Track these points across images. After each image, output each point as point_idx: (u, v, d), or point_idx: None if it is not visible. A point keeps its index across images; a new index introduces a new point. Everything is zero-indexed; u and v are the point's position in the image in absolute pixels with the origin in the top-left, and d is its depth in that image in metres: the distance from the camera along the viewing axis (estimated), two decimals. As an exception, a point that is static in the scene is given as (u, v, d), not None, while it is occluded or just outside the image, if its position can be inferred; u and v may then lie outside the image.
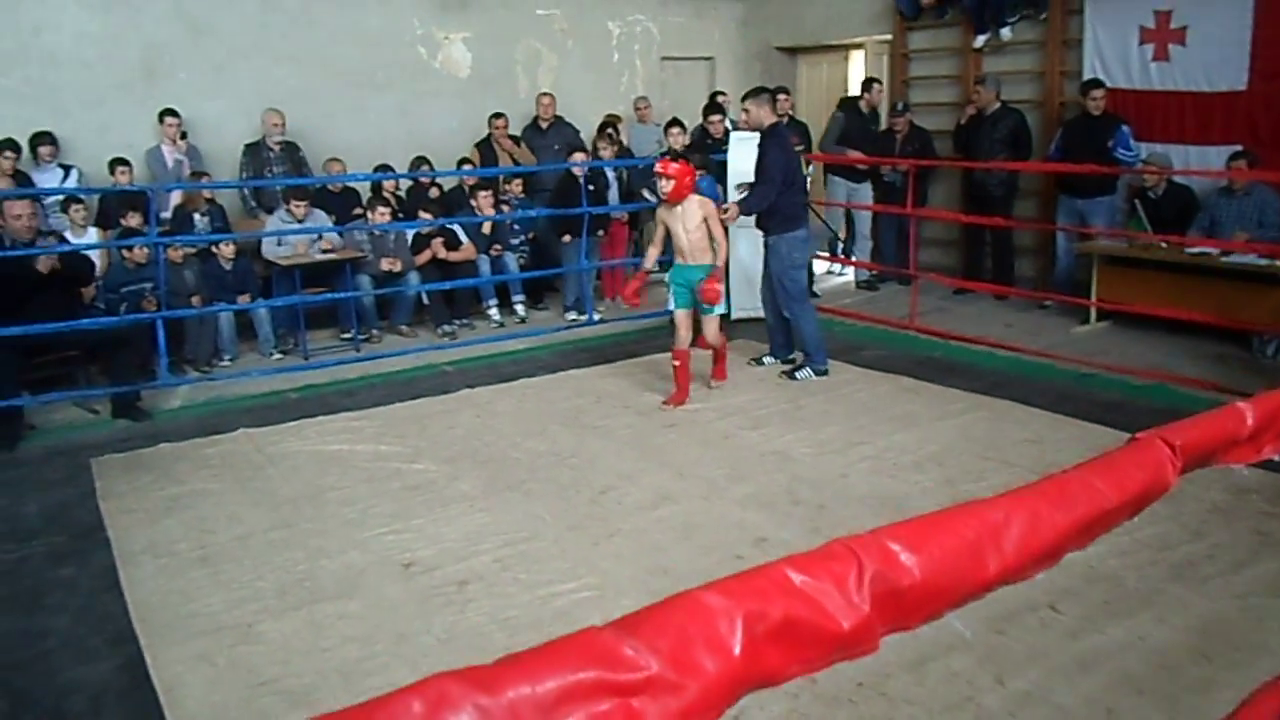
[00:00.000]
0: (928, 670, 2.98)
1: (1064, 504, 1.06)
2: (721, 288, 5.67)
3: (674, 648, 0.78)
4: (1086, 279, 7.31)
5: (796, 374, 6.16)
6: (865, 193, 8.94)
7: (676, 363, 5.72)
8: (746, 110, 6.14)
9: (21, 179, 6.94)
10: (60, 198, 6.99)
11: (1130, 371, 5.97)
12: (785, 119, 8.51)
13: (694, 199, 5.62)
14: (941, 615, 0.99)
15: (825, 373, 6.19)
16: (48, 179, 7.21)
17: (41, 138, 7.22)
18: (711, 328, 5.78)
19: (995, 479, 4.46)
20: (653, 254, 5.88)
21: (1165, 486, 1.22)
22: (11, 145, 6.95)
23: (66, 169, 7.35)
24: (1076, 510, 1.06)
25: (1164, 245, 6.75)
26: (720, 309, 5.77)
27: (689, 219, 5.61)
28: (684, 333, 5.72)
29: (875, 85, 8.93)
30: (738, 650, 0.80)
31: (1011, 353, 6.52)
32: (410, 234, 7.74)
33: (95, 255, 6.56)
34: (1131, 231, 7.19)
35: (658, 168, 5.62)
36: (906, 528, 0.96)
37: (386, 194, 7.88)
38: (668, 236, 5.75)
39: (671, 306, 5.79)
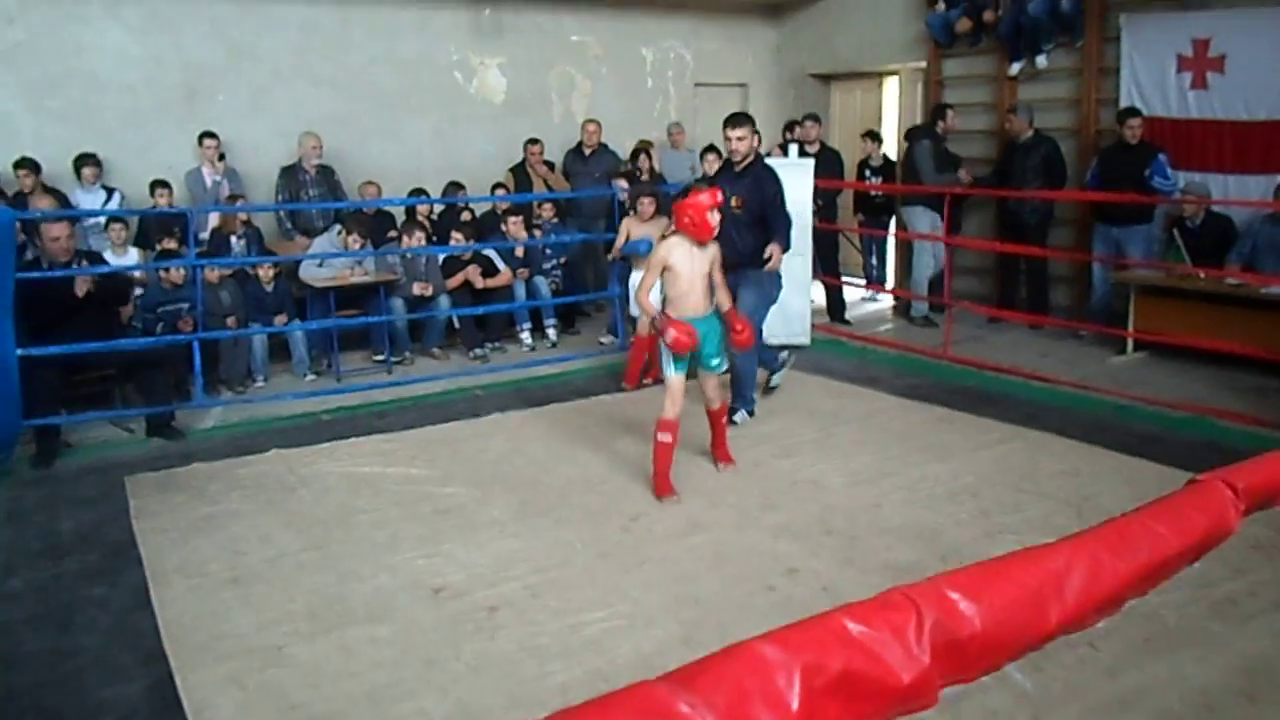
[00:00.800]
0: (963, 708, 2.92)
1: (1125, 550, 1.02)
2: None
3: (731, 704, 0.76)
4: (1123, 309, 7.23)
5: (734, 417, 5.62)
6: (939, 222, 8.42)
7: (666, 438, 4.67)
8: (741, 139, 5.50)
9: (60, 199, 7.04)
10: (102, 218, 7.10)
11: (1168, 404, 5.89)
12: (816, 145, 8.49)
13: (714, 241, 4.72)
14: (1001, 667, 0.96)
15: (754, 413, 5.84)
16: (91, 200, 7.32)
17: (85, 159, 7.33)
18: (714, 385, 4.94)
19: (1031, 511, 4.40)
20: (656, 299, 4.78)
21: (1228, 531, 1.18)
22: (29, 164, 7.03)
23: (110, 191, 7.46)
24: (1138, 557, 1.03)
25: (1202, 275, 6.67)
26: (724, 365, 4.99)
27: (704, 261, 4.69)
28: (680, 403, 4.70)
29: (949, 111, 8.62)
30: (795, 705, 0.77)
31: (1047, 383, 6.45)
32: (441, 257, 7.78)
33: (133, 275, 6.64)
34: (1169, 263, 7.10)
35: (706, 199, 4.58)
36: (966, 575, 0.93)
37: (421, 218, 7.93)
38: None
39: (671, 371, 4.68)
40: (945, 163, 8.44)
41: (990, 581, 0.94)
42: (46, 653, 3.44)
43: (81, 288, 5.63)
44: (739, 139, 5.50)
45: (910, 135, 8.81)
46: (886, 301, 9.45)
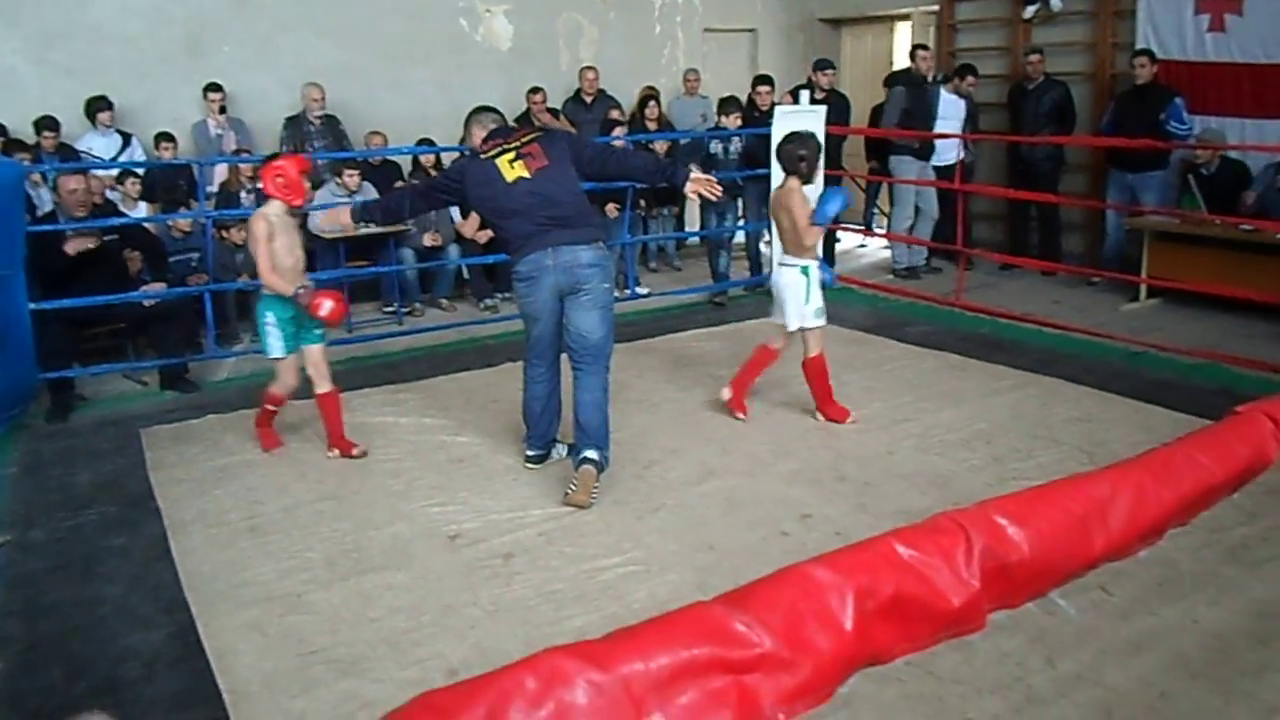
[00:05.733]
0: (977, 649, 2.95)
1: (1169, 479, 1.03)
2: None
3: (786, 624, 0.77)
4: (1136, 255, 7.18)
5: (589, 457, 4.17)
6: (931, 171, 8.32)
7: (274, 406, 4.78)
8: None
9: (66, 152, 7.00)
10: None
11: (1182, 350, 5.86)
12: (826, 94, 8.31)
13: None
14: (1046, 593, 0.96)
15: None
16: (105, 145, 7.29)
17: (98, 103, 7.28)
18: (318, 356, 4.72)
19: (1044, 457, 4.41)
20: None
21: (1269, 461, 1.19)
22: (50, 124, 6.99)
23: (126, 136, 7.42)
24: (1181, 486, 1.04)
25: (1217, 222, 6.61)
26: (267, 350, 4.67)
27: (295, 228, 4.63)
28: (291, 382, 4.72)
29: (921, 51, 8.41)
30: (849, 626, 0.78)
31: (1060, 330, 6.43)
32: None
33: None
34: (1184, 210, 7.03)
35: (294, 162, 4.52)
36: (1013, 501, 0.94)
37: (427, 168, 7.88)
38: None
39: (279, 353, 4.63)
40: (920, 110, 8.18)
41: (1037, 508, 0.94)
42: (69, 602, 3.49)
43: (74, 248, 5.54)
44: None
45: (886, 82, 8.59)
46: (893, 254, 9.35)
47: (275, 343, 4.61)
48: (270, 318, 4.57)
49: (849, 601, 0.79)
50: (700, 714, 0.72)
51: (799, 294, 4.77)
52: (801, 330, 4.83)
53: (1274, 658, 2.91)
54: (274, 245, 4.45)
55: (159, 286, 5.96)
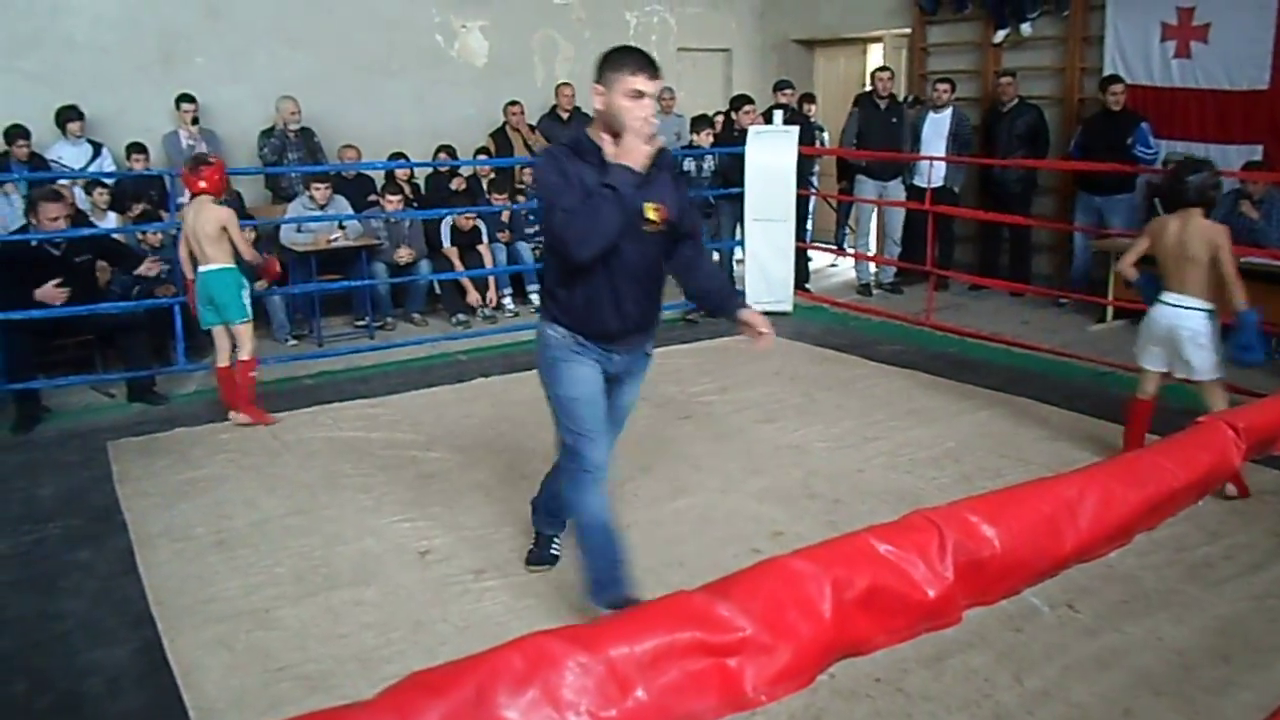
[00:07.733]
0: (945, 667, 2.97)
1: (1135, 482, 1.06)
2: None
3: (767, 611, 0.79)
4: (1103, 277, 7.26)
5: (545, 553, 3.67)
6: (896, 191, 8.45)
7: (254, 373, 5.46)
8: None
9: (38, 163, 6.94)
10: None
11: (1147, 371, 5.93)
12: (789, 112, 8.30)
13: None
14: (1019, 590, 0.99)
15: (619, 604, 3.08)
16: (75, 154, 7.22)
17: (68, 112, 7.23)
18: (244, 336, 5.34)
19: (1012, 476, 4.44)
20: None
21: (1231, 468, 1.22)
22: (23, 132, 6.93)
23: (97, 146, 7.36)
24: (1146, 489, 1.07)
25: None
26: (248, 315, 5.33)
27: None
28: (226, 342, 5.41)
29: (881, 72, 8.49)
30: (828, 615, 0.80)
31: (1028, 350, 6.50)
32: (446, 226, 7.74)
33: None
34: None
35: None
36: (985, 501, 0.97)
37: (400, 182, 7.87)
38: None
39: (250, 315, 5.37)
40: (875, 131, 8.32)
41: (1008, 507, 0.97)
42: (32, 616, 3.44)
43: (49, 297, 5.50)
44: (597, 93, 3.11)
45: (854, 103, 8.81)
46: (855, 274, 9.43)
47: (249, 306, 5.33)
48: (247, 286, 5.34)
49: (827, 591, 0.82)
50: (684, 693, 0.75)
51: (1211, 340, 4.19)
52: (1206, 382, 4.25)
53: (1236, 674, 2.95)
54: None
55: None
